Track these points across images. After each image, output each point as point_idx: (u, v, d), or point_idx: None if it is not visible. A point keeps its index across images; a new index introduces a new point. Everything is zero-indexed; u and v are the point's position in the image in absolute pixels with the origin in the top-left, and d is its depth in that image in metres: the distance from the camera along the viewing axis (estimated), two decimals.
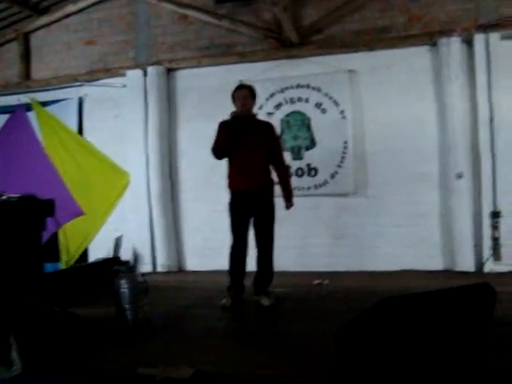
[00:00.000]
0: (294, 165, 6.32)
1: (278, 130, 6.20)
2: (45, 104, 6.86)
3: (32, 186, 5.05)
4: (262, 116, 6.04)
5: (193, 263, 6.71)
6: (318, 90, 6.26)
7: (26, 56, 7.45)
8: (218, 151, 4.36)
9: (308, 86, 6.30)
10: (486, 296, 2.26)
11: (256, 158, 4.34)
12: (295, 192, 6.07)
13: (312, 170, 6.30)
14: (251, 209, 4.36)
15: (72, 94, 7.12)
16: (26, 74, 7.44)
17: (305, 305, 4.39)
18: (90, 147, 6.62)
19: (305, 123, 6.34)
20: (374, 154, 6.13)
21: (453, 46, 5.75)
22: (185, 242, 6.79)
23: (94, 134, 6.92)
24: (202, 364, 2.73)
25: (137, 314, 3.52)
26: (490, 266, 5.63)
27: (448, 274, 5.66)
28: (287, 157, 6.21)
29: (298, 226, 6.24)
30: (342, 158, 6.17)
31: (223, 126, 4.38)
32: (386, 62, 6.08)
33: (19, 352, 2.60)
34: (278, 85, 6.39)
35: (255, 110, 6.05)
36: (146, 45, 6.90)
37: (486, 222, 5.67)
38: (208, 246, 6.40)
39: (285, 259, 5.85)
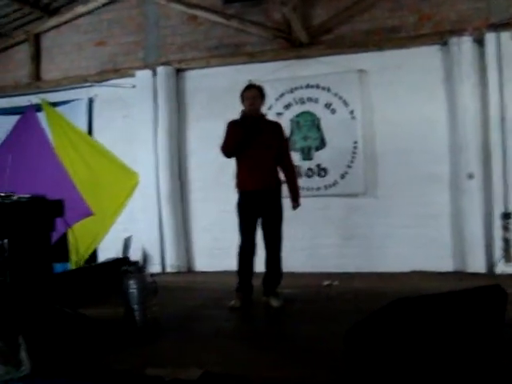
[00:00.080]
0: (303, 165, 6.30)
1: (287, 130, 6.21)
2: (55, 104, 6.91)
3: (42, 187, 5.07)
4: (271, 116, 6.03)
5: (202, 263, 6.71)
6: (328, 90, 6.23)
7: (36, 57, 7.49)
8: (228, 149, 4.35)
9: (318, 86, 6.28)
10: (498, 298, 2.23)
11: (264, 158, 4.33)
12: (305, 192, 6.12)
13: (322, 171, 6.27)
14: (259, 209, 4.35)
15: (82, 94, 7.15)
16: (37, 74, 7.48)
17: (314, 306, 4.37)
18: (99, 148, 6.65)
19: (314, 123, 6.32)
20: (384, 154, 6.09)
21: (464, 45, 5.70)
22: (194, 242, 6.78)
23: (103, 135, 6.94)
24: (210, 365, 2.72)
25: (145, 315, 3.51)
26: (501, 268, 5.58)
27: (459, 275, 5.61)
28: (297, 157, 6.22)
29: (308, 226, 6.23)
30: (352, 158, 6.14)
31: (232, 125, 4.38)
32: (395, 62, 6.04)
33: (28, 352, 2.60)
34: (287, 85, 6.37)
35: (264, 110, 6.04)
36: (155, 45, 6.91)
37: (497, 222, 5.62)
38: (217, 246, 6.38)
39: (294, 260, 5.83)
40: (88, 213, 5.98)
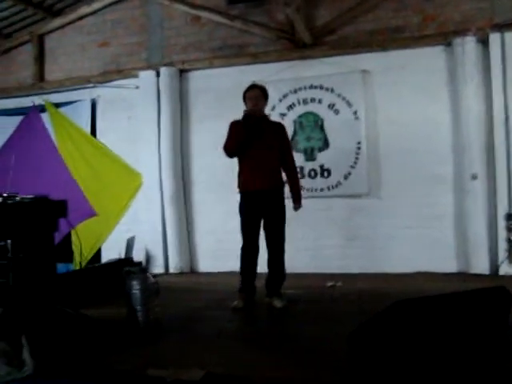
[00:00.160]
0: (307, 166, 6.29)
1: (290, 130, 6.21)
2: (58, 105, 6.92)
3: (45, 187, 5.08)
4: (274, 117, 6.03)
5: (205, 264, 6.70)
6: (331, 90, 6.22)
7: (40, 58, 7.51)
8: (230, 148, 4.34)
9: (321, 87, 6.27)
10: (502, 299, 2.22)
11: (267, 158, 4.32)
12: (308, 193, 6.14)
13: (325, 171, 6.26)
14: (261, 209, 4.33)
15: (85, 95, 7.16)
16: (40, 75, 7.50)
17: (318, 307, 4.36)
18: (103, 148, 6.67)
19: (318, 124, 6.31)
20: (388, 154, 6.08)
21: (468, 45, 5.68)
22: (197, 243, 6.78)
23: (107, 135, 6.95)
24: (212, 366, 2.71)
25: (148, 316, 3.50)
26: (505, 269, 5.56)
27: (462, 276, 5.60)
28: (300, 158, 6.22)
29: (311, 227, 6.22)
30: (356, 159, 6.13)
31: (235, 125, 4.38)
32: (399, 63, 6.03)
33: (31, 352, 2.60)
34: (290, 85, 6.37)
35: (268, 110, 6.05)
36: (158, 46, 6.92)
37: (501, 223, 5.60)
38: (220, 247, 6.37)
39: (298, 261, 5.82)
40: (91, 213, 5.99)
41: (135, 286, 3.49)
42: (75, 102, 7.17)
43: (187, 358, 2.96)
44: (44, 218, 4.12)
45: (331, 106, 6.23)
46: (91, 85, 7.12)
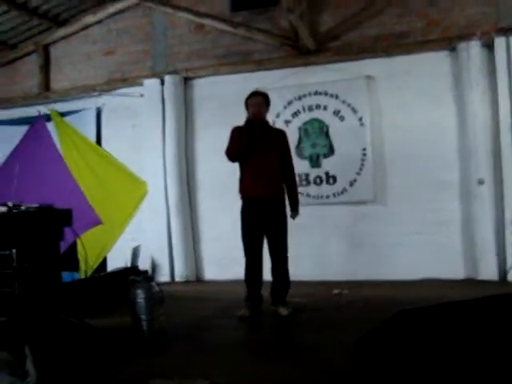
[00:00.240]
0: (312, 173, 6.27)
1: (296, 137, 6.22)
2: (64, 114, 6.96)
3: (51, 196, 5.10)
4: (279, 124, 6.05)
5: (211, 273, 6.67)
6: (336, 97, 6.21)
7: (45, 67, 7.54)
8: (233, 152, 4.31)
9: (326, 93, 6.26)
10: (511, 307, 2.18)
11: (268, 166, 4.30)
12: (314, 200, 6.15)
13: (331, 178, 6.23)
14: (263, 216, 4.29)
15: (90, 104, 7.19)
16: (46, 85, 7.52)
17: (324, 315, 4.32)
18: (108, 157, 6.69)
19: (323, 131, 6.29)
20: (394, 160, 6.05)
21: (472, 50, 5.66)
22: (203, 251, 6.75)
23: (112, 144, 6.97)
24: (216, 376, 2.69)
25: (153, 325, 3.48)
26: None
27: (470, 283, 5.54)
28: (306, 165, 6.21)
29: (317, 234, 6.19)
30: (361, 165, 6.10)
31: (237, 130, 4.37)
32: (404, 68, 6.01)
33: (34, 363, 2.58)
34: (295, 92, 6.36)
35: (273, 117, 6.10)
36: (163, 54, 6.94)
37: (509, 228, 5.53)
38: (226, 255, 6.33)
39: (304, 268, 5.79)
40: (97, 221, 6.00)
41: (140, 295, 3.47)
42: (80, 110, 7.20)
43: (192, 368, 2.94)
44: (49, 227, 4.12)
45: (336, 113, 6.21)
46: (96, 93, 7.13)
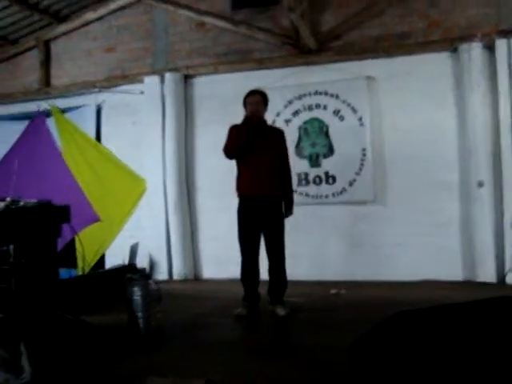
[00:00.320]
0: (311, 172, 6.25)
1: (295, 137, 6.22)
2: (64, 110, 6.94)
3: (49, 192, 5.09)
4: (279, 123, 6.04)
5: (209, 271, 6.66)
6: (336, 96, 6.19)
7: (45, 63, 7.53)
8: (231, 149, 4.29)
9: (326, 93, 6.24)
10: (510, 310, 2.17)
11: (266, 164, 4.28)
12: (313, 200, 6.14)
13: (330, 178, 6.22)
14: (259, 215, 4.27)
15: (90, 100, 7.17)
16: (46, 80, 7.52)
17: (321, 315, 4.31)
18: (107, 154, 6.67)
19: (323, 130, 6.28)
20: (393, 161, 6.04)
21: (474, 51, 5.64)
22: (201, 249, 6.74)
23: (111, 141, 6.96)
24: (212, 375, 2.68)
25: (149, 322, 3.47)
26: None
27: (469, 285, 5.53)
28: (305, 164, 6.21)
29: (316, 234, 6.19)
30: (361, 165, 6.09)
31: (235, 127, 4.36)
32: (405, 69, 5.99)
33: (29, 359, 2.57)
34: (295, 92, 6.34)
35: (273, 116, 6.09)
36: (163, 51, 6.92)
37: (508, 231, 5.52)
38: (225, 253, 6.31)
39: (302, 268, 5.80)
40: (95, 218, 5.98)
41: (136, 293, 3.46)
42: (80, 107, 7.19)
43: (188, 366, 2.93)
44: (47, 224, 4.12)
45: (336, 113, 6.20)
46: (96, 90, 7.12)
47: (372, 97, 6.11)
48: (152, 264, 6.57)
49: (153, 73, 6.85)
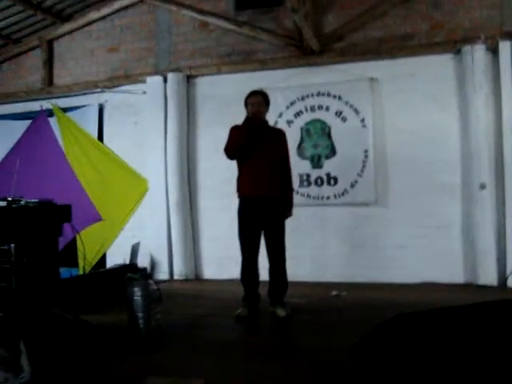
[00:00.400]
0: (313, 173, 6.24)
1: (297, 137, 6.21)
2: (66, 110, 6.95)
3: (51, 191, 5.10)
4: (282, 124, 6.04)
5: (210, 272, 6.66)
6: (339, 98, 6.19)
7: (48, 62, 7.53)
8: (232, 149, 4.29)
9: (328, 94, 6.24)
10: (510, 314, 2.16)
11: (267, 164, 4.27)
12: (315, 201, 6.13)
13: (332, 179, 6.21)
14: (260, 216, 4.27)
15: (93, 100, 7.17)
16: (49, 80, 7.52)
17: (322, 316, 4.31)
18: (109, 153, 6.68)
19: (325, 131, 6.27)
20: (395, 163, 6.02)
21: (477, 53, 5.62)
22: (202, 249, 6.74)
23: (113, 140, 6.96)
24: (211, 375, 2.68)
25: (149, 323, 3.47)
26: None
27: (470, 287, 5.52)
28: (307, 165, 6.20)
29: (317, 235, 6.18)
30: (363, 167, 6.07)
31: (236, 128, 4.36)
32: (408, 70, 5.98)
33: (29, 358, 2.57)
34: (298, 93, 6.33)
35: (275, 117, 6.09)
36: (166, 51, 6.92)
37: (510, 234, 5.51)
38: (226, 254, 6.29)
39: (303, 269, 5.80)
40: (97, 218, 5.99)
41: (136, 293, 3.46)
42: (83, 106, 7.19)
43: (188, 367, 2.93)
44: (48, 223, 4.13)
45: (338, 114, 6.19)
46: (99, 90, 7.12)
47: (374, 98, 6.10)
48: (153, 264, 6.57)
49: (155, 73, 6.85)
